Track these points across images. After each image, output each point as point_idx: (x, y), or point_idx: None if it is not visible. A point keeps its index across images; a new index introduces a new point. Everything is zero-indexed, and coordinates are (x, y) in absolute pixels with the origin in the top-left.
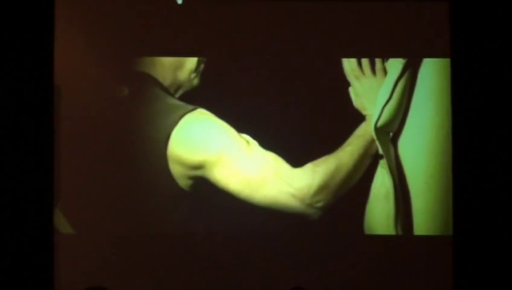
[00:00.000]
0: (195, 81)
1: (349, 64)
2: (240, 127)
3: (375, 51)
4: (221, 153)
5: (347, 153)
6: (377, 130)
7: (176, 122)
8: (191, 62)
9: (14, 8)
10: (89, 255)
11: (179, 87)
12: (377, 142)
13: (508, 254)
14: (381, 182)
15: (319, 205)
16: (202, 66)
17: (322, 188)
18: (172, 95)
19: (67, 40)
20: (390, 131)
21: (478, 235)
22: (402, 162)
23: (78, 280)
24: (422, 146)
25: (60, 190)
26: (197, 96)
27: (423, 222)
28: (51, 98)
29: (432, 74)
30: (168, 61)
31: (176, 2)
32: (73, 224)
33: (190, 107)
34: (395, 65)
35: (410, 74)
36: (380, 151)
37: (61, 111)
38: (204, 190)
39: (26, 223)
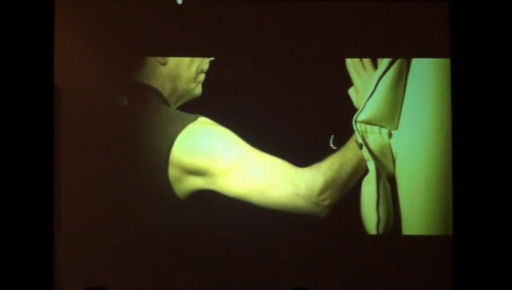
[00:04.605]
0: (196, 91)
1: (351, 59)
2: (242, 132)
3: (374, 51)
4: (225, 161)
5: (350, 150)
6: (359, 122)
7: (178, 133)
8: (190, 72)
9: (14, 8)
10: (89, 255)
11: (179, 97)
12: (356, 133)
13: (508, 254)
14: (370, 179)
15: (326, 203)
16: (202, 75)
17: (328, 185)
18: (172, 105)
19: (67, 40)
20: (379, 125)
21: (478, 235)
22: (399, 160)
23: (78, 280)
24: (422, 146)
25: (60, 190)
26: (197, 105)
27: (423, 221)
28: (51, 98)
29: (432, 73)
30: (167, 71)
31: (176, 3)
32: (74, 224)
33: (191, 116)
34: (383, 62)
35: (396, 70)
36: (359, 140)
37: (61, 111)
38: (206, 194)
39: (26, 223)
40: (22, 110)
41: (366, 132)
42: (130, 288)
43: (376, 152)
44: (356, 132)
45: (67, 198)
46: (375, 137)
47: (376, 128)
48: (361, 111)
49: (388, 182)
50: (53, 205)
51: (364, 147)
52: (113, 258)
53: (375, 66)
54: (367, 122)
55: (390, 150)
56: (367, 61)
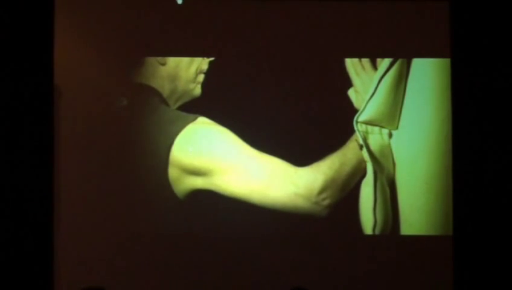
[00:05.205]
0: (196, 91)
1: (350, 60)
2: (242, 132)
3: (375, 51)
4: (225, 161)
5: (351, 149)
6: (360, 122)
7: (177, 133)
8: (190, 72)
9: (14, 8)
10: (89, 255)
11: (178, 97)
12: (357, 133)
13: (508, 254)
14: (368, 182)
15: (326, 202)
16: (202, 76)
17: (328, 184)
18: (172, 105)
19: (67, 40)
20: (380, 125)
21: (478, 235)
22: (399, 160)
23: (78, 280)
24: (422, 146)
25: (60, 190)
26: (197, 105)
27: (423, 222)
28: (51, 98)
29: (432, 73)
30: (166, 72)
31: (176, 3)
32: (73, 224)
33: (191, 116)
34: (384, 62)
35: (398, 71)
36: (360, 141)
37: (61, 111)
38: (206, 194)
39: (26, 223)
40: (22, 110)
41: (367, 132)
42: (129, 288)
43: (376, 153)
44: (357, 133)
45: (67, 198)
46: (375, 137)
47: (377, 128)
48: (362, 112)
49: (387, 183)
50: (53, 205)
51: (364, 148)
52: (112, 258)
53: (375, 67)
54: (368, 122)
55: (391, 150)
56: (366, 62)
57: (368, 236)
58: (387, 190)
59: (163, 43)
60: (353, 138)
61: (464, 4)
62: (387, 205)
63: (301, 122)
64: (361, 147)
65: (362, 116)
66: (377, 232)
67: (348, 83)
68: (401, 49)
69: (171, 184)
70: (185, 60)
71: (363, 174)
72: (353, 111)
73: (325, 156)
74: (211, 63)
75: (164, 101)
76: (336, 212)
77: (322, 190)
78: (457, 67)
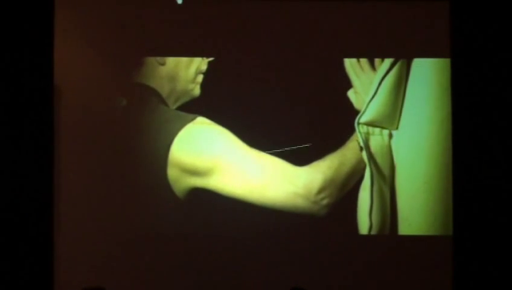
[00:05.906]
0: (195, 92)
1: (349, 61)
2: (241, 132)
3: (375, 51)
4: (224, 160)
5: (350, 149)
6: (361, 124)
7: (176, 132)
8: (189, 73)
9: (14, 8)
10: (89, 255)
11: (177, 97)
12: (358, 135)
13: (508, 254)
14: (365, 185)
15: (325, 202)
16: (201, 76)
17: (327, 184)
18: (171, 105)
19: (67, 40)
20: (382, 126)
21: (478, 235)
22: (399, 160)
23: (78, 280)
24: (422, 146)
25: (60, 190)
26: (196, 105)
27: (423, 221)
28: (51, 98)
29: (432, 73)
30: (165, 72)
31: (176, 3)
32: (73, 224)
33: (190, 116)
34: (384, 63)
35: (398, 72)
36: (361, 143)
37: (61, 111)
38: (206, 194)
39: (26, 223)
40: (22, 110)
41: (368, 133)
42: (129, 288)
43: (376, 153)
44: (358, 134)
45: (67, 198)
46: (376, 138)
47: (377, 129)
48: (363, 113)
49: (387, 184)
50: (53, 205)
51: (364, 150)
52: (112, 258)
53: (374, 67)
54: (369, 123)
55: (390, 150)
56: (365, 63)
57: (367, 236)
58: (386, 191)
59: (162, 43)
60: (353, 138)
61: (463, 4)
62: (384, 208)
63: (301, 122)
64: (361, 149)
65: (364, 118)
66: (373, 234)
67: (348, 84)
68: (401, 49)
69: (171, 184)
70: (184, 60)
71: (362, 175)
72: (353, 111)
73: (324, 156)
74: (210, 63)
75: (163, 101)
76: (335, 211)
77: (321, 190)
78: (457, 67)
